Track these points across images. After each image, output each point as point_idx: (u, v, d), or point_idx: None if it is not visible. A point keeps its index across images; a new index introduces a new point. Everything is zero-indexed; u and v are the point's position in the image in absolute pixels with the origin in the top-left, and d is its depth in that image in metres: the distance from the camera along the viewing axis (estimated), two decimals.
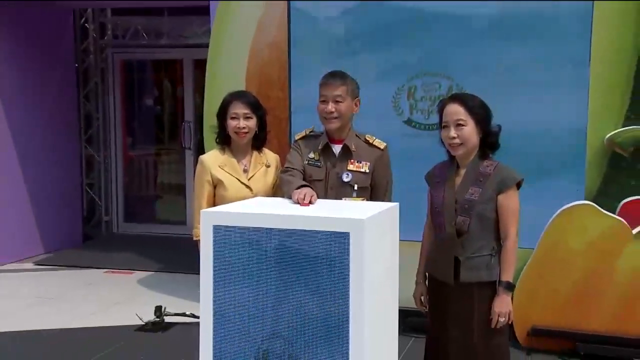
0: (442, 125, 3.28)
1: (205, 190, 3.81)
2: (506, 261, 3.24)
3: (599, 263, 4.86)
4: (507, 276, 3.23)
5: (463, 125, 3.20)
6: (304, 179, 3.51)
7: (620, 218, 4.83)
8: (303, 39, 5.57)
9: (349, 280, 2.61)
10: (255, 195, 3.69)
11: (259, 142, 3.91)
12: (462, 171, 3.32)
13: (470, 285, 3.24)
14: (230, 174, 3.80)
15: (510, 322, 3.27)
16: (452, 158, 3.35)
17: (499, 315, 3.17)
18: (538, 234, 4.90)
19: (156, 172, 9.84)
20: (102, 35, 9.43)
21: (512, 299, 3.26)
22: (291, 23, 5.57)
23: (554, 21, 5.02)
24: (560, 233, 4.89)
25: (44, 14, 8.37)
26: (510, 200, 3.23)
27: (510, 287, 3.23)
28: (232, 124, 3.76)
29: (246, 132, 3.77)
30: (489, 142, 3.29)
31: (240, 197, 3.60)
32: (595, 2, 4.86)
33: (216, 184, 3.81)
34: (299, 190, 3.13)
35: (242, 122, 3.75)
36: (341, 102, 3.55)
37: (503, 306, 3.19)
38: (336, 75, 3.64)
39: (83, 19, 9.36)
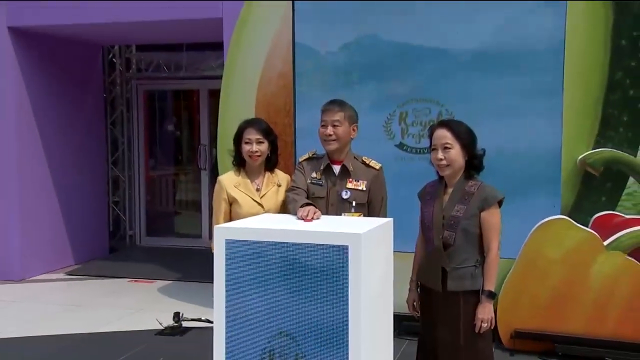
0: (431, 148, 3.30)
1: (222, 207, 3.82)
2: (488, 272, 3.25)
3: (574, 271, 4.85)
4: (489, 286, 3.23)
5: (449, 148, 3.23)
6: (308, 197, 3.53)
7: (592, 231, 4.84)
8: (306, 71, 5.58)
9: (348, 289, 2.61)
10: (267, 212, 3.69)
11: (270, 164, 3.91)
12: (450, 190, 3.33)
13: (456, 293, 3.24)
14: (245, 193, 3.80)
15: (492, 327, 3.27)
16: (441, 178, 3.37)
17: (482, 321, 3.18)
18: (519, 245, 4.90)
19: (175, 190, 9.83)
20: (127, 69, 9.46)
21: (495, 305, 3.25)
22: (295, 57, 5.58)
23: (531, 55, 5.02)
24: (539, 244, 4.89)
25: (77, 51, 8.43)
26: (492, 217, 3.24)
27: (492, 295, 3.24)
28: (245, 148, 3.78)
29: (258, 156, 3.78)
30: (474, 164, 3.30)
31: (253, 214, 3.62)
32: (567, 38, 4.88)
33: (232, 202, 3.81)
34: (303, 207, 3.14)
35: (255, 146, 3.76)
36: (339, 126, 3.58)
37: (486, 313, 3.20)
38: (335, 103, 3.67)
39: (111, 55, 9.41)
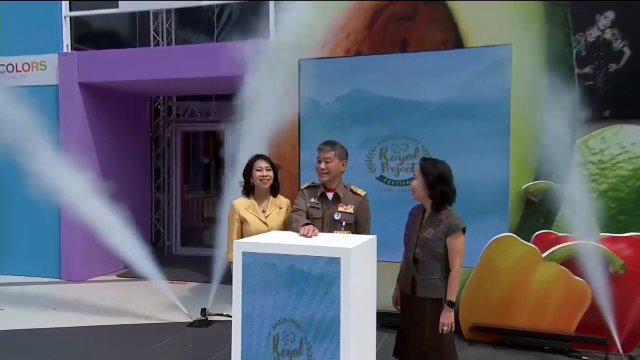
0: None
1: (235, 225, 3.83)
2: (450, 285, 3.20)
3: (518, 277, 4.83)
4: (451, 297, 3.20)
5: (414, 179, 3.29)
6: (307, 218, 3.52)
7: (533, 245, 4.83)
8: (309, 117, 5.58)
9: (340, 291, 2.62)
10: (270, 229, 3.70)
11: (274, 190, 3.91)
12: (426, 214, 3.30)
13: (424, 299, 3.21)
14: (253, 214, 3.82)
15: (453, 329, 3.22)
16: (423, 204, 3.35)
17: (444, 325, 3.15)
18: (476, 256, 4.87)
19: (203, 210, 9.78)
20: (169, 114, 9.49)
21: (457, 305, 3.20)
22: (300, 106, 5.60)
23: (485, 106, 5.02)
24: (491, 256, 4.87)
25: (130, 100, 8.48)
26: (455, 241, 3.18)
27: (452, 304, 3.19)
28: (257, 174, 3.79)
29: (268, 179, 3.80)
30: (435, 196, 3.22)
31: (260, 231, 3.63)
32: (512, 94, 4.89)
33: (242, 221, 3.82)
34: (304, 226, 3.13)
35: (265, 172, 3.79)
36: (330, 162, 3.57)
37: (447, 318, 3.16)
38: (327, 143, 3.65)
39: (156, 103, 9.45)
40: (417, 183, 3.23)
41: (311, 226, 3.13)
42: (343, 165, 3.66)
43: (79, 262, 7.40)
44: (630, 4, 6.49)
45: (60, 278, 7.44)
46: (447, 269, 3.21)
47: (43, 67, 7.37)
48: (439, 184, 3.19)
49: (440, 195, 3.20)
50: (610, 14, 7.37)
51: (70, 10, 7.51)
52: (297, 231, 3.19)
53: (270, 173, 3.81)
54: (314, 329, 2.67)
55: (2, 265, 7.71)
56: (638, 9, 8.16)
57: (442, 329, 3.14)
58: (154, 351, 4.77)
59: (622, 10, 7.22)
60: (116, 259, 6.43)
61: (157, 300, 6.16)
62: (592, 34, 7.05)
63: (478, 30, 5.11)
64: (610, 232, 4.72)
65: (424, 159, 3.34)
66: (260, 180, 3.77)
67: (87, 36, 8.86)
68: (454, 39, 5.18)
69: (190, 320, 5.58)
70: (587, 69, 6.69)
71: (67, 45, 7.47)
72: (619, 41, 7.29)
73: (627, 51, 7.63)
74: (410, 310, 3.31)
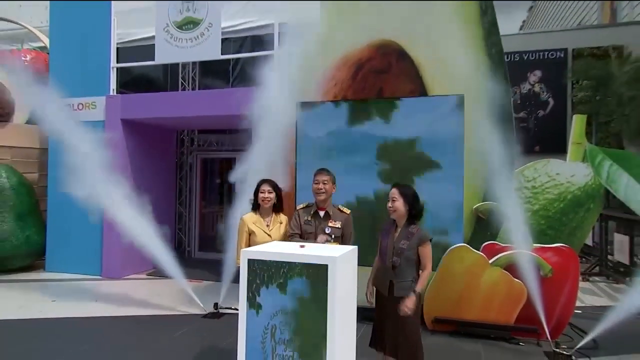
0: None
1: (244, 236, 3.80)
2: (421, 280, 3.21)
3: (470, 279, 4.82)
4: (419, 288, 3.19)
5: (395, 200, 3.24)
6: (302, 233, 3.57)
7: (482, 254, 4.83)
8: (304, 149, 5.58)
9: (327, 291, 2.61)
10: (273, 240, 3.67)
11: (276, 208, 3.89)
12: (399, 229, 3.29)
13: (398, 298, 3.19)
14: (259, 227, 3.80)
15: (417, 315, 3.20)
16: (394, 220, 3.33)
17: (405, 306, 3.11)
18: (437, 262, 4.83)
19: (217, 221, 9.70)
20: (191, 144, 9.47)
21: (422, 301, 3.16)
22: (297, 139, 5.60)
23: (445, 142, 5.05)
24: (449, 262, 4.86)
25: (160, 132, 8.47)
26: (426, 250, 3.21)
27: (417, 294, 3.18)
28: (261, 196, 3.79)
29: (269, 201, 3.78)
30: (412, 214, 3.25)
31: (264, 241, 3.61)
32: (465, 133, 4.93)
33: (250, 233, 3.78)
34: (298, 240, 3.23)
35: (267, 194, 3.78)
36: (326, 184, 3.62)
37: (410, 302, 3.14)
38: (324, 170, 3.70)
39: (181, 135, 9.43)
40: (399, 204, 3.22)
41: (303, 242, 3.17)
42: (334, 188, 3.69)
43: (117, 263, 7.33)
44: (552, 66, 6.62)
45: (101, 276, 7.36)
46: (417, 272, 3.23)
47: (94, 107, 7.41)
48: (416, 203, 3.24)
49: (418, 212, 3.23)
50: (538, 73, 7.53)
51: (117, 62, 7.59)
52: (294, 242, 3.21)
53: (272, 195, 3.79)
54: (305, 322, 2.64)
55: (55, 264, 7.62)
56: (559, 69, 8.38)
57: (404, 310, 3.10)
58: (174, 338, 4.72)
59: (547, 69, 7.36)
60: (147, 261, 6.34)
61: (178, 295, 6.10)
62: (525, 87, 7.16)
63: (438, 83, 5.18)
64: (540, 243, 4.76)
65: (397, 184, 3.33)
66: (262, 201, 3.77)
67: (128, 82, 8.89)
68: (419, 89, 5.24)
69: (204, 312, 5.51)
70: (522, 114, 6.75)
71: (113, 90, 7.52)
72: (545, 93, 7.40)
73: (551, 101, 7.77)
74: (386, 308, 3.27)
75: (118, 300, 6.04)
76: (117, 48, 7.68)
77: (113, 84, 7.48)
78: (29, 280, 7.09)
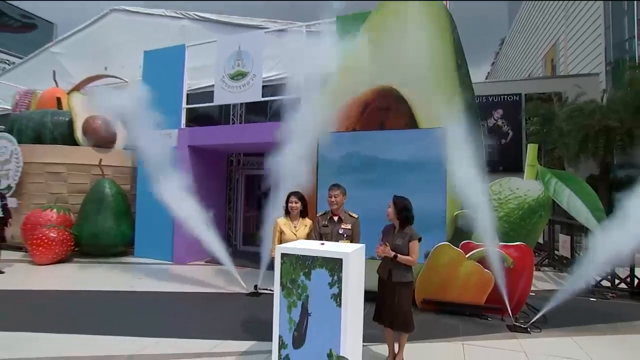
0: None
1: (277, 235, 3.76)
2: (404, 258, 3.10)
3: (451, 270, 4.71)
4: (401, 259, 3.08)
5: (389, 207, 3.21)
6: (320, 234, 3.50)
7: (460, 250, 4.72)
8: (323, 167, 5.53)
9: (342, 280, 2.57)
10: (299, 239, 3.60)
11: (302, 214, 3.84)
12: (396, 230, 3.23)
13: (395, 282, 3.14)
14: (288, 229, 3.75)
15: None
16: (393, 224, 3.28)
17: (381, 249, 3.05)
18: (426, 256, 4.73)
19: (257, 222, 9.63)
20: (238, 164, 9.49)
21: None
22: (319, 160, 5.55)
23: (430, 163, 4.97)
24: (435, 256, 4.76)
25: (215, 155, 8.51)
26: (413, 245, 3.16)
27: (395, 257, 3.08)
28: (290, 205, 3.70)
29: (295, 209, 3.72)
30: (402, 219, 3.19)
31: (291, 239, 3.57)
32: (448, 156, 4.75)
33: (281, 232, 3.73)
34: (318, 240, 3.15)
35: (294, 204, 3.71)
36: (338, 197, 3.56)
37: (386, 252, 3.06)
38: (336, 185, 3.65)
39: (231, 157, 9.46)
40: (391, 210, 3.20)
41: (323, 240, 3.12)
42: (344, 198, 3.64)
43: (184, 252, 7.33)
44: (511, 106, 6.42)
45: (172, 261, 7.36)
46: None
47: (170, 136, 7.49)
48: (403, 211, 3.17)
49: (405, 217, 3.17)
50: (500, 111, 7.37)
51: (187, 104, 7.71)
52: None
53: (298, 205, 3.73)
54: (325, 302, 2.59)
55: (140, 251, 7.66)
56: (516, 109, 8.17)
57: (377, 250, 3.05)
58: (223, 310, 4.69)
59: (507, 109, 7.15)
60: (205, 251, 6.31)
61: (228, 278, 6.06)
62: (491, 122, 6.98)
63: (426, 118, 5.11)
64: (504, 242, 4.63)
65: (395, 196, 3.30)
66: (291, 208, 3.73)
67: (194, 118, 8.98)
68: (411, 123, 5.17)
69: (247, 291, 5.45)
70: (489, 142, 6.51)
71: (183, 124, 7.61)
72: (506, 127, 7.23)
73: (510, 132, 7.58)
74: (386, 290, 3.22)
75: (183, 280, 6.03)
76: (187, 94, 7.80)
77: (183, 120, 7.60)
78: (123, 263, 7.17)
